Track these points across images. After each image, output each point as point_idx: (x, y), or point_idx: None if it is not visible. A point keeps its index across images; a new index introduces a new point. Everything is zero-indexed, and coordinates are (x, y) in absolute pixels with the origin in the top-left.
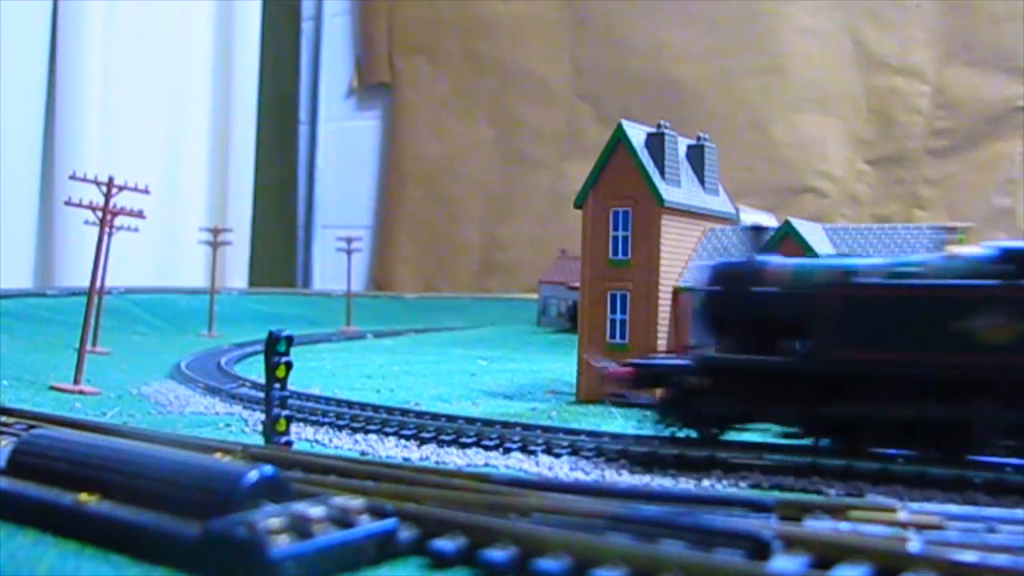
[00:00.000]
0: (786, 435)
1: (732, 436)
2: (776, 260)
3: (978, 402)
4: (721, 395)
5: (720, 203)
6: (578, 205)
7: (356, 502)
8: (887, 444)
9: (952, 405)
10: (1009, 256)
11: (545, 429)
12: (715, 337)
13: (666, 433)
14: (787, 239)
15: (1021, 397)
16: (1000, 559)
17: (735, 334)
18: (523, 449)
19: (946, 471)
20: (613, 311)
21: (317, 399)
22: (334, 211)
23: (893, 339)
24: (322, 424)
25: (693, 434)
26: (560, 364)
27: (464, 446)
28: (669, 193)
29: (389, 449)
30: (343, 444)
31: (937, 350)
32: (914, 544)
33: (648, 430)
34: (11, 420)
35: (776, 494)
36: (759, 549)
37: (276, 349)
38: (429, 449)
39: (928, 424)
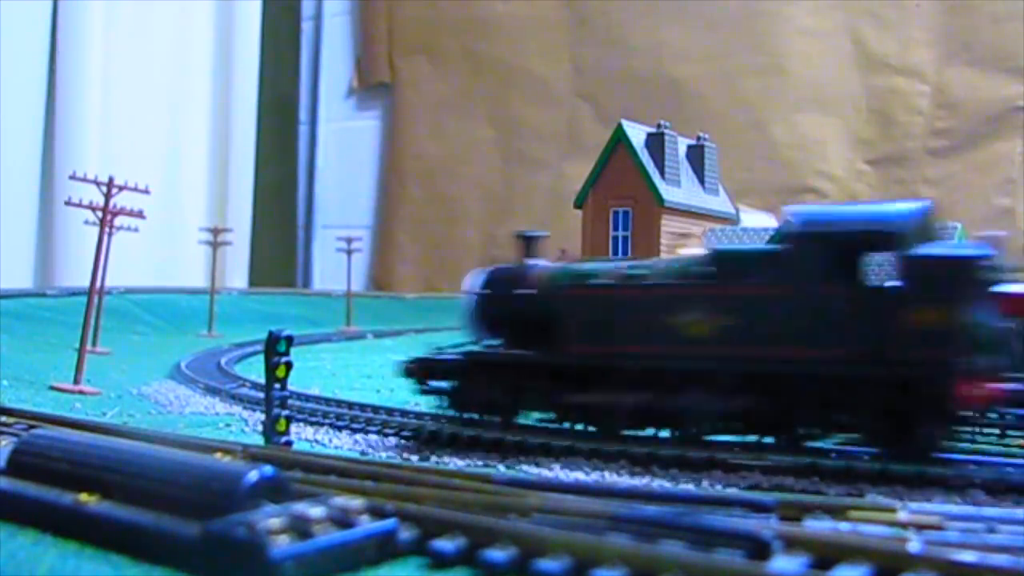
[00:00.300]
0: (542, 420)
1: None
2: (539, 264)
3: (686, 388)
4: (488, 386)
5: (720, 203)
6: (578, 205)
7: (356, 502)
8: (629, 427)
9: (670, 392)
10: (714, 258)
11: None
12: (488, 334)
13: (458, 417)
14: None
15: (720, 383)
16: (1000, 559)
17: (503, 331)
18: (521, 449)
19: (946, 471)
20: None
21: (317, 399)
22: (334, 211)
23: (618, 334)
24: (322, 424)
25: (475, 417)
26: None
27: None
28: (669, 193)
29: (389, 449)
30: (343, 444)
31: (653, 343)
32: (914, 544)
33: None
34: (11, 420)
35: (776, 494)
36: (759, 549)
37: (276, 349)
38: (429, 449)
39: (655, 409)
